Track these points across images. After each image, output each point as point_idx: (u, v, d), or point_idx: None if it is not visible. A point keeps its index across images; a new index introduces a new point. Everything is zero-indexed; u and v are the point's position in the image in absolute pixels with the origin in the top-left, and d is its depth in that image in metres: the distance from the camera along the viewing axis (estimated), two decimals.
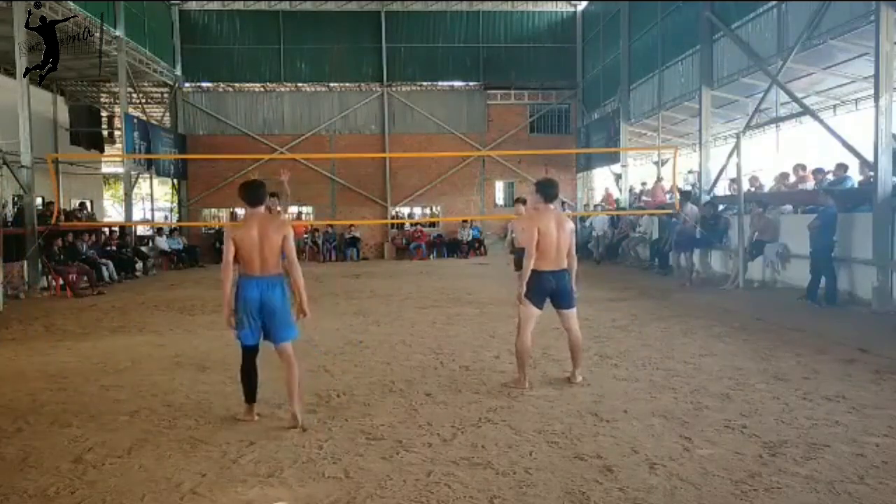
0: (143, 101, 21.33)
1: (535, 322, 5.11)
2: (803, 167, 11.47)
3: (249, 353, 4.38)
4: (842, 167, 10.26)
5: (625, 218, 16.73)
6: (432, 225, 22.58)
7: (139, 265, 16.23)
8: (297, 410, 4.29)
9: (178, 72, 21.62)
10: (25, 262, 12.08)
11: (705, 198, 13.35)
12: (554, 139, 22.77)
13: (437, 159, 22.12)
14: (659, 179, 17.22)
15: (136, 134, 17.07)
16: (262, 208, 4.38)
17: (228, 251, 4.26)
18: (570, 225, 5.12)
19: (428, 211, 23.27)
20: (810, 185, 10.92)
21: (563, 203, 22.16)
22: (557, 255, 4.99)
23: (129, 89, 18.23)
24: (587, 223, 18.69)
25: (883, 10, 8.19)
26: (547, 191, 5.12)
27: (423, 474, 3.47)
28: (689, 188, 14.83)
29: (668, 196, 15.60)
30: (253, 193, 4.36)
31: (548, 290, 5.02)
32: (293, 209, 22.63)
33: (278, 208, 10.26)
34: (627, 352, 6.33)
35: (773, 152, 15.00)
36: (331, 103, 22.40)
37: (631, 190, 18.52)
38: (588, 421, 4.29)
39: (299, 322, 4.46)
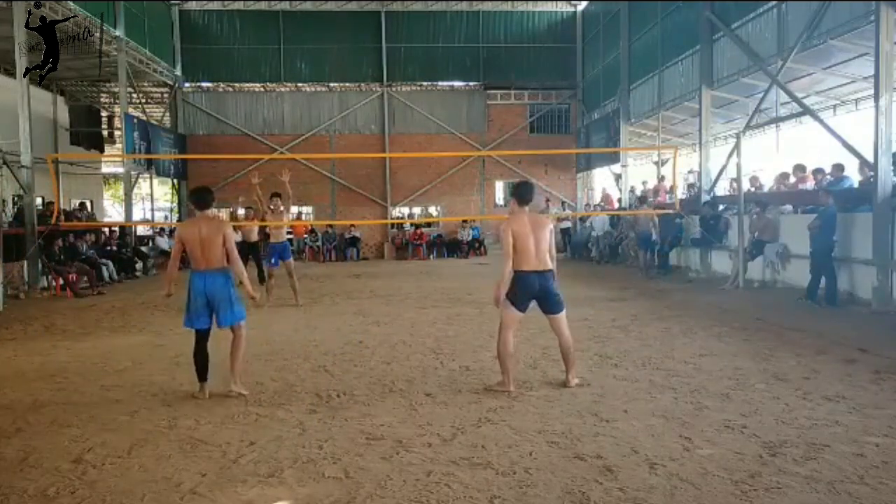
0: (143, 101, 21.33)
1: (516, 325, 5.07)
2: (802, 168, 11.48)
3: (200, 337, 5.02)
4: (839, 167, 10.26)
5: (624, 218, 16.72)
6: (429, 225, 22.59)
7: (139, 265, 16.23)
8: (234, 381, 4.98)
9: (178, 72, 21.63)
10: (25, 262, 12.09)
11: (705, 197, 13.36)
12: (554, 139, 22.78)
13: (437, 159, 22.13)
14: (661, 179, 17.25)
15: (136, 134, 17.07)
16: (208, 211, 5.12)
17: (177, 249, 5.09)
18: (550, 226, 5.08)
19: (430, 211, 23.26)
20: (810, 185, 10.92)
21: (562, 203, 22.20)
22: (538, 255, 4.93)
23: (129, 89, 18.24)
24: (587, 223, 18.70)
25: (883, 10, 8.19)
26: (522, 194, 5.10)
27: (423, 474, 3.47)
28: (642, 193, 16.51)
29: (668, 196, 15.61)
30: (200, 198, 5.10)
31: (532, 291, 4.94)
32: (293, 209, 22.64)
33: (281, 208, 10.27)
34: (627, 352, 6.33)
35: (773, 152, 15.01)
36: (331, 103, 22.42)
37: (632, 190, 18.51)
38: (588, 421, 4.29)
39: (251, 307, 5.24)
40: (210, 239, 4.90)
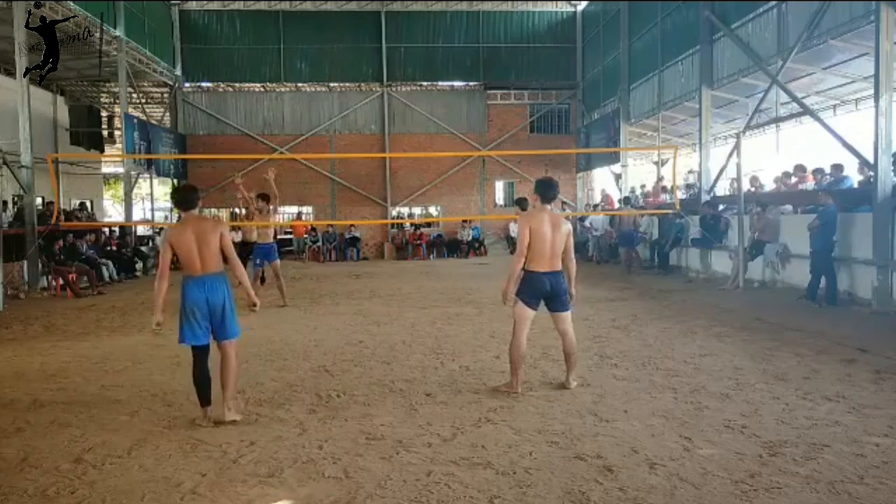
0: (143, 101, 21.33)
1: (529, 324, 5.03)
2: (803, 168, 11.48)
3: (200, 355, 4.40)
4: (838, 167, 10.27)
5: (624, 218, 16.72)
6: (429, 225, 22.59)
7: (139, 265, 16.24)
8: (230, 405, 4.41)
9: (178, 72, 21.63)
10: (25, 262, 12.09)
11: (705, 197, 13.36)
12: (554, 139, 22.78)
13: (437, 159, 22.13)
14: (659, 179, 17.26)
15: (136, 134, 17.07)
16: (195, 211, 4.55)
17: (165, 256, 4.42)
18: (567, 227, 4.98)
19: (430, 211, 23.27)
20: (810, 185, 10.92)
21: (562, 203, 22.17)
22: (552, 256, 4.89)
23: (129, 89, 18.23)
24: (587, 223, 18.70)
25: (883, 10, 8.19)
26: (545, 191, 4.99)
27: (423, 474, 3.47)
28: (628, 194, 17.49)
29: (668, 196, 15.61)
30: (184, 199, 4.56)
31: (542, 291, 4.91)
32: (293, 209, 22.64)
33: (269, 208, 10.22)
34: (627, 352, 6.33)
35: (773, 152, 15.01)
36: (331, 103, 22.41)
37: (632, 191, 18.52)
38: (588, 421, 4.29)
39: (246, 316, 4.59)
40: (205, 240, 4.35)
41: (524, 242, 4.86)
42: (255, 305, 4.71)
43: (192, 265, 4.37)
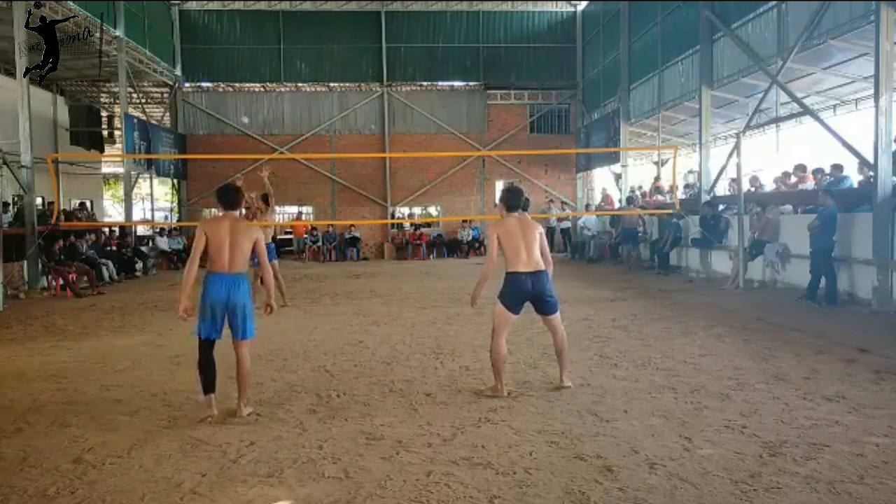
0: (143, 101, 21.33)
1: (509, 327, 5.04)
2: (803, 168, 11.48)
3: (208, 346, 4.51)
4: (837, 167, 10.27)
5: (627, 217, 16.72)
6: (429, 225, 22.60)
7: (139, 265, 16.23)
8: (243, 403, 4.55)
9: (178, 72, 21.63)
10: (25, 262, 12.09)
11: (705, 197, 13.36)
12: (554, 139, 22.78)
13: (437, 159, 22.12)
14: (656, 179, 17.29)
15: (136, 134, 17.07)
16: (236, 212, 4.68)
17: (198, 245, 4.48)
18: (540, 228, 5.04)
19: (430, 211, 23.28)
20: (810, 185, 10.93)
21: (562, 203, 22.18)
22: (529, 255, 4.86)
23: (129, 89, 18.24)
24: (581, 222, 18.75)
25: (883, 10, 8.19)
26: (510, 199, 5.09)
27: (423, 474, 3.47)
28: (630, 194, 17.64)
29: (668, 196, 15.62)
30: (227, 198, 4.66)
31: (524, 291, 4.86)
32: (293, 209, 22.64)
33: (267, 207, 10.18)
34: (627, 352, 6.33)
35: (773, 152, 15.03)
36: (331, 103, 22.41)
37: (632, 190, 18.53)
38: (588, 421, 4.29)
39: (261, 317, 4.68)
40: (237, 241, 4.46)
41: (493, 248, 4.92)
42: (269, 309, 4.73)
43: (220, 261, 4.45)
